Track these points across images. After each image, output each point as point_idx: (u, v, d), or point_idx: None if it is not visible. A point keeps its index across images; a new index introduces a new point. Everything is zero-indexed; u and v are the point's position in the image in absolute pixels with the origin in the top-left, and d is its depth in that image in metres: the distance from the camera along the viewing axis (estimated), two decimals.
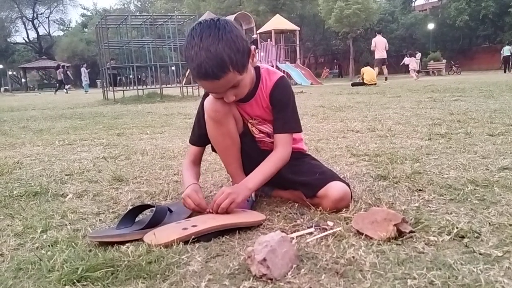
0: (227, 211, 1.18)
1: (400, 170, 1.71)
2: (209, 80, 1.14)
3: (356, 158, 2.04)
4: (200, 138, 1.42)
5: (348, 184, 1.30)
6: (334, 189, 1.25)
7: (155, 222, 1.15)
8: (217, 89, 1.21)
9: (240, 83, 1.21)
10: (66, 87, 21.87)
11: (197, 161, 1.47)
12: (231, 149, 1.37)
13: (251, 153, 1.41)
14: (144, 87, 12.31)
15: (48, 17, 52.99)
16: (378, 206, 1.25)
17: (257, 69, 1.35)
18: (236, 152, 1.39)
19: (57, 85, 22.91)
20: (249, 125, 1.41)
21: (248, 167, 1.40)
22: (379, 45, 13.03)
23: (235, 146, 1.38)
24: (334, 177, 1.30)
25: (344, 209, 1.25)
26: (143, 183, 1.75)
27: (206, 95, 1.42)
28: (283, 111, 1.33)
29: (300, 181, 1.33)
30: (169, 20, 10.86)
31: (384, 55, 13.18)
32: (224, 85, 1.18)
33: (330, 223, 1.14)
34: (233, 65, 1.13)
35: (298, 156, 1.44)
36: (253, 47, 1.25)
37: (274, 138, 1.34)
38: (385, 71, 13.27)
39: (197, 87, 11.44)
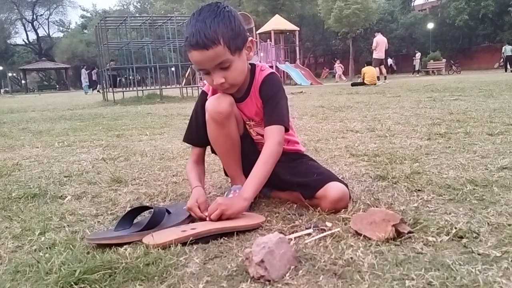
0: (221, 219, 1.15)
1: (399, 170, 1.71)
2: (199, 49, 1.15)
3: (355, 158, 2.04)
4: (200, 139, 1.41)
5: (346, 185, 1.29)
6: (332, 190, 1.24)
7: (153, 224, 1.15)
8: (206, 63, 1.19)
9: (230, 65, 1.20)
10: (98, 87, 21.97)
11: (200, 160, 1.46)
12: (232, 151, 1.37)
13: (250, 155, 1.40)
14: (144, 88, 12.31)
15: (48, 19, 53.03)
16: (376, 207, 1.25)
17: (253, 67, 1.35)
18: (237, 154, 1.38)
19: (98, 85, 22.89)
20: (247, 126, 1.41)
21: (247, 168, 1.39)
22: (381, 45, 13.04)
23: (236, 148, 1.37)
24: (332, 177, 1.30)
25: (343, 210, 1.25)
26: (142, 185, 1.75)
27: (202, 94, 1.43)
28: (270, 104, 1.32)
29: (298, 182, 1.32)
30: (168, 21, 10.88)
31: (383, 55, 13.19)
32: (213, 59, 1.17)
33: (329, 224, 1.14)
34: (224, 40, 1.16)
35: (296, 157, 1.44)
36: (250, 38, 1.26)
37: (266, 130, 1.29)
38: (384, 70, 13.29)
39: (196, 87, 11.45)
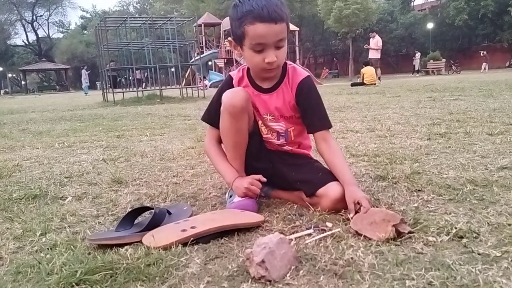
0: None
1: (399, 170, 1.71)
2: (267, 22, 1.18)
3: (355, 158, 2.04)
4: (219, 120, 1.39)
5: None
6: (333, 189, 1.25)
7: (154, 225, 1.15)
8: (270, 37, 1.21)
9: (283, 45, 1.26)
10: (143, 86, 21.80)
11: (219, 140, 1.45)
12: (240, 145, 1.38)
13: (256, 153, 1.42)
14: (144, 88, 12.31)
15: (48, 20, 53.05)
16: (377, 207, 1.25)
17: (284, 64, 1.38)
18: (243, 150, 1.39)
19: (143, 83, 22.54)
20: (260, 122, 1.42)
21: (251, 165, 1.41)
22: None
23: (244, 143, 1.38)
24: (335, 178, 1.31)
25: (343, 210, 1.25)
26: (142, 185, 1.75)
27: (228, 77, 1.44)
28: (319, 109, 1.39)
29: (301, 179, 1.35)
30: (168, 22, 10.89)
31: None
32: (277, 34, 1.21)
33: (329, 224, 1.14)
34: (286, 17, 1.23)
35: (302, 159, 1.47)
36: None
37: (319, 134, 1.37)
38: (379, 70, 13.37)
39: (196, 88, 11.45)
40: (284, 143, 1.44)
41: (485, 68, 22.52)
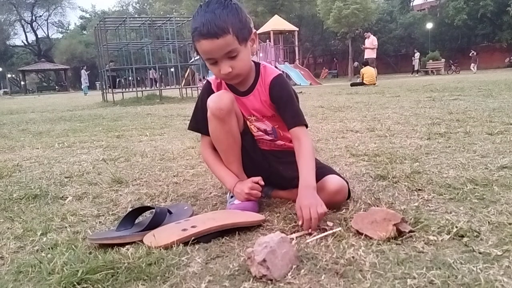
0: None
1: (400, 169, 1.71)
2: (209, 38, 1.17)
3: (355, 158, 2.05)
4: (206, 126, 1.39)
5: (346, 181, 1.31)
6: (331, 182, 1.26)
7: (155, 224, 1.15)
8: (215, 52, 1.20)
9: (238, 55, 1.23)
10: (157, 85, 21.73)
11: (214, 148, 1.44)
12: (233, 147, 1.38)
13: (251, 152, 1.42)
14: (143, 88, 12.29)
15: (47, 20, 53.03)
16: (377, 206, 1.25)
17: (257, 65, 1.37)
18: (238, 151, 1.39)
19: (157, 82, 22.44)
20: (248, 123, 1.42)
21: (248, 165, 1.40)
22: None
23: (237, 145, 1.38)
24: (331, 171, 1.32)
25: (344, 209, 1.25)
26: (142, 185, 1.75)
27: (207, 83, 1.43)
28: (288, 107, 1.35)
29: (298, 175, 1.34)
30: (167, 22, 10.88)
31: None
32: (222, 48, 1.19)
33: (330, 223, 1.15)
34: (233, 29, 1.19)
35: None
36: (254, 31, 1.29)
37: (292, 132, 1.34)
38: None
39: (196, 88, 11.45)
40: (275, 138, 1.44)
41: (473, 68, 23.06)
